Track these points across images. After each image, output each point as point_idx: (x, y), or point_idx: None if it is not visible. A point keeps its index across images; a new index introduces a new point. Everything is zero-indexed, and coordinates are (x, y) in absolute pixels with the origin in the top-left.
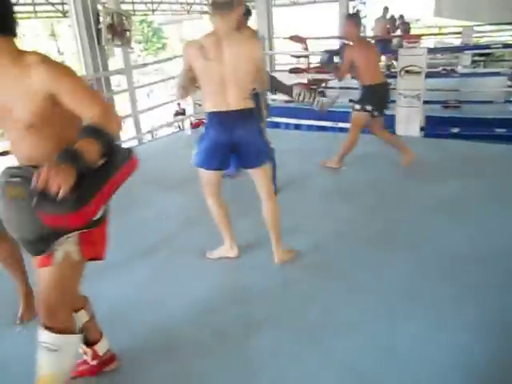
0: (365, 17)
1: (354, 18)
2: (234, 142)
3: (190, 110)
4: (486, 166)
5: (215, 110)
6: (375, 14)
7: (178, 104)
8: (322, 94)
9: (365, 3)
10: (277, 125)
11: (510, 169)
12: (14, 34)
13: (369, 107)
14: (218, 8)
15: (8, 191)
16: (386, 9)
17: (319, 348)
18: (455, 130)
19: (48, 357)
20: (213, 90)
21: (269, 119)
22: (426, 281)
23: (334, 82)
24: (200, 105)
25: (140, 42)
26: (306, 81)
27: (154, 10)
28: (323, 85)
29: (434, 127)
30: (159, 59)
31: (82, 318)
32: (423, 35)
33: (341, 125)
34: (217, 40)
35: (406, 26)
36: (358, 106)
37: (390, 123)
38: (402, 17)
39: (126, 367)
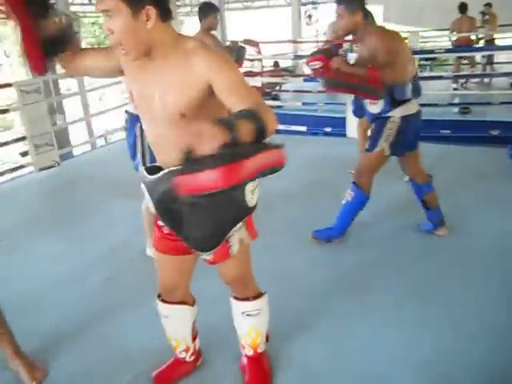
0: (317, 21)
1: None
2: None
3: None
4: (432, 165)
5: None
6: (326, 19)
7: (126, 111)
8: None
9: (316, 8)
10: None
11: (453, 167)
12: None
13: None
14: None
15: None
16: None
17: (269, 348)
18: None
19: (254, 321)
20: None
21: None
22: (372, 278)
23: (288, 85)
24: None
25: (92, 45)
26: (259, 84)
27: None
28: (277, 88)
29: None
30: None
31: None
32: None
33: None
34: None
35: None
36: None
37: (342, 126)
38: None
39: None
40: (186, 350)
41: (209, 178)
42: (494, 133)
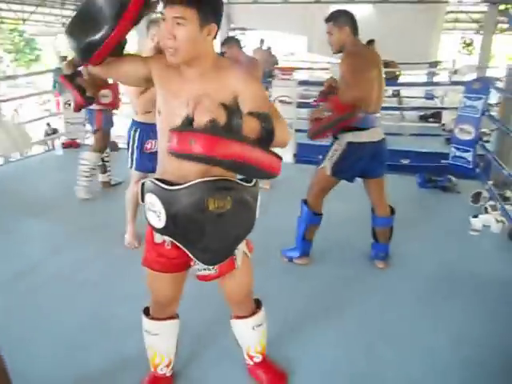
0: (244, 46)
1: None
2: None
3: (61, 129)
4: (349, 193)
5: None
6: (252, 45)
7: (48, 124)
8: None
9: (244, 33)
10: None
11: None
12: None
13: None
14: None
15: (210, 203)
16: (262, 41)
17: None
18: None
19: (263, 329)
20: None
21: None
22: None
23: None
24: (72, 123)
25: (10, 52)
26: None
27: (24, 20)
28: None
29: (304, 154)
30: (31, 72)
31: None
32: (296, 68)
33: None
34: None
35: (274, 59)
36: None
37: None
38: (269, 49)
39: None
40: (168, 365)
41: (188, 140)
42: (405, 162)
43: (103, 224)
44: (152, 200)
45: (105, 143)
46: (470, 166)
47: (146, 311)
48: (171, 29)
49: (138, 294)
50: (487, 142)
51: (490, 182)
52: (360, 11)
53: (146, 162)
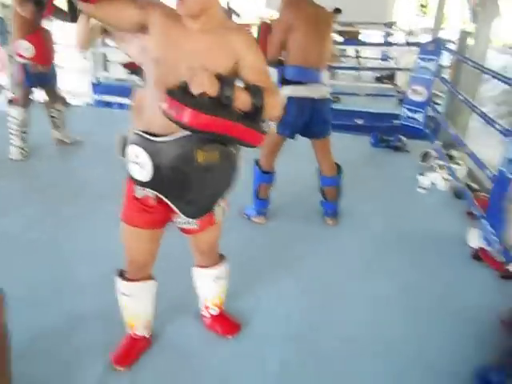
0: None
1: None
2: None
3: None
4: (301, 151)
5: None
6: None
7: None
8: None
9: None
10: (109, 104)
11: None
12: None
13: None
14: None
15: (199, 155)
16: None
17: None
18: None
19: (224, 282)
20: None
21: (98, 98)
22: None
23: None
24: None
25: None
26: None
27: None
28: None
29: None
30: None
31: None
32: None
33: None
34: None
35: (234, 13)
36: None
37: None
38: (228, 3)
39: None
40: (146, 326)
41: (179, 110)
42: (359, 122)
43: (52, 183)
44: (137, 152)
45: (27, 98)
46: (421, 127)
47: (121, 273)
48: None
49: (91, 252)
50: (438, 104)
51: (438, 143)
52: None
53: None
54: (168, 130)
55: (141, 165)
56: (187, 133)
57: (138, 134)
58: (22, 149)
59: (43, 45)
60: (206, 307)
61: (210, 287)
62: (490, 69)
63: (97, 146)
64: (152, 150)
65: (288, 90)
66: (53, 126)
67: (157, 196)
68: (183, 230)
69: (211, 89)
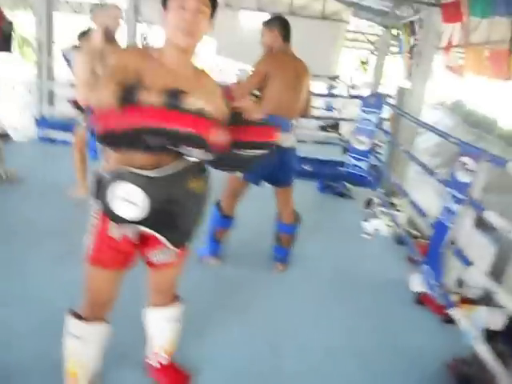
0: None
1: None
2: None
3: None
4: (252, 197)
5: None
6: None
7: None
8: None
9: (151, 27)
10: (53, 140)
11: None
12: None
13: None
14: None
15: (195, 184)
16: None
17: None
18: None
19: (177, 326)
20: None
21: (42, 133)
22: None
23: None
24: None
25: None
26: None
27: None
28: None
29: None
30: None
31: None
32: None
33: None
34: None
35: None
36: None
37: None
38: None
39: None
40: (89, 380)
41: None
42: (307, 168)
43: None
44: (129, 189)
45: None
46: (364, 175)
47: (73, 312)
48: (194, 14)
49: (26, 297)
50: (379, 153)
51: (381, 190)
52: None
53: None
54: (155, 164)
55: (133, 202)
56: (184, 164)
57: (127, 170)
58: None
59: None
60: (155, 353)
61: (162, 330)
62: (426, 122)
63: (39, 182)
64: (147, 185)
65: None
66: None
67: (138, 232)
68: (154, 266)
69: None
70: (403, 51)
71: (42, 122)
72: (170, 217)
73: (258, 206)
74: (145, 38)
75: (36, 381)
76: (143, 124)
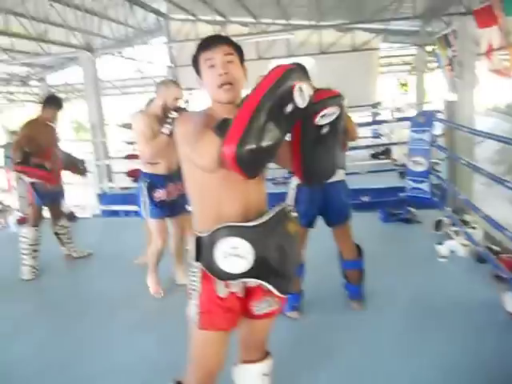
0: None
1: None
2: None
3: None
4: (312, 235)
5: None
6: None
7: None
8: None
9: (191, 93)
10: (115, 213)
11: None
12: None
13: None
14: None
15: (291, 227)
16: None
17: None
18: None
19: (266, 381)
20: None
21: (105, 208)
22: None
23: None
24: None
25: None
26: None
27: None
28: None
29: None
30: None
31: None
32: None
33: None
34: None
35: None
36: None
37: None
38: None
39: None
40: None
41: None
42: (365, 199)
43: (62, 300)
44: (235, 243)
45: (38, 217)
46: (428, 196)
47: None
48: (223, 66)
49: (110, 371)
50: (438, 171)
51: (449, 209)
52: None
53: (158, 209)
54: (244, 217)
55: (240, 255)
56: (277, 208)
57: (233, 225)
58: (34, 267)
59: (53, 160)
60: None
61: None
62: (483, 131)
63: (106, 256)
64: (251, 236)
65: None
66: (60, 243)
67: (245, 286)
68: (261, 317)
69: None
70: (443, 65)
71: (103, 198)
72: (278, 265)
73: (317, 246)
74: (187, 103)
75: None
76: None
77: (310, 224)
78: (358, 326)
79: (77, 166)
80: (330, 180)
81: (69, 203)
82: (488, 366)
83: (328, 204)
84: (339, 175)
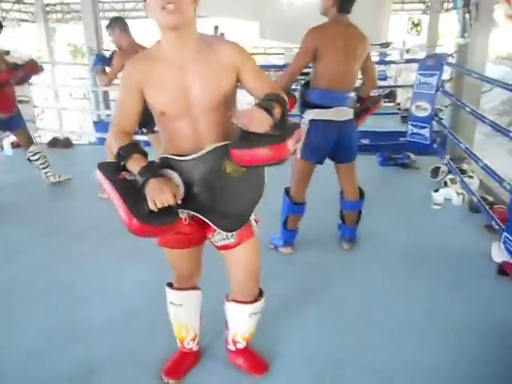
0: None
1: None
2: None
3: None
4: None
5: None
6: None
7: None
8: None
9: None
10: None
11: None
12: None
13: None
14: None
15: (228, 166)
16: (216, 27)
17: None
18: None
19: (257, 317)
20: None
21: (101, 135)
22: None
23: None
24: None
25: None
26: None
27: None
28: None
29: None
30: None
31: None
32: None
33: None
34: None
35: None
36: None
37: None
38: (222, 35)
39: None
40: (194, 339)
41: (264, 153)
42: (365, 141)
43: (59, 224)
44: (169, 175)
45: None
46: (428, 142)
47: (170, 284)
48: None
49: (105, 293)
50: (441, 118)
51: (448, 157)
52: None
53: None
54: (195, 150)
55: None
56: (214, 146)
57: (164, 157)
58: (53, 172)
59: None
60: (234, 342)
61: (243, 323)
62: (494, 78)
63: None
64: (181, 169)
65: (312, 114)
66: (38, 168)
67: (190, 216)
68: (221, 248)
69: (270, 120)
70: (459, 6)
71: (99, 125)
72: (211, 200)
73: (318, 185)
74: (216, 28)
75: (118, 372)
76: None
77: (320, 160)
78: (349, 266)
79: (34, 65)
80: (344, 118)
81: (65, 129)
82: (475, 313)
83: (341, 141)
84: (351, 114)
